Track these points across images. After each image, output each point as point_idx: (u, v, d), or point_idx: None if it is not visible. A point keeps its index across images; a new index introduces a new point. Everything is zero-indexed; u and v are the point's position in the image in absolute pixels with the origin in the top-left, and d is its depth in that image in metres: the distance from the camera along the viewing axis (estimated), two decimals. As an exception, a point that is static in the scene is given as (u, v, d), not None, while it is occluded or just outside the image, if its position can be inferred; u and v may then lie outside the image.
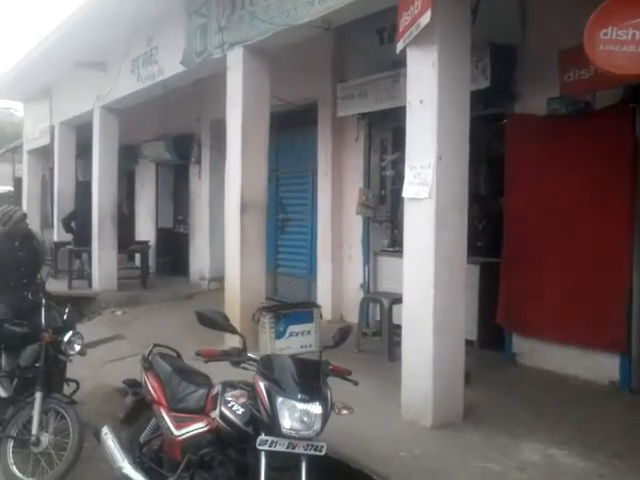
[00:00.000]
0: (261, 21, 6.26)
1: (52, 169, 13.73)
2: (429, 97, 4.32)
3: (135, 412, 4.13)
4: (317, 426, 2.94)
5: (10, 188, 19.78)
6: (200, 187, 11.23)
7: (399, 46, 4.66)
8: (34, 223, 13.49)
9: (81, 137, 12.50)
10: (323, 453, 2.96)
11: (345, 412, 3.13)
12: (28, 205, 14.96)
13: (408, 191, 4.46)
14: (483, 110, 6.02)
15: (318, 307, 6.66)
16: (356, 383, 3.33)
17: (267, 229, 7.14)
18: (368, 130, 7.71)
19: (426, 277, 4.28)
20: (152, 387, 3.79)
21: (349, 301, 7.84)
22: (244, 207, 6.64)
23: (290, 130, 9.02)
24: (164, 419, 3.58)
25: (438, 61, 4.26)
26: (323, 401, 2.98)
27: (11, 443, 4.41)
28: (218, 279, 10.36)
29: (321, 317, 6.61)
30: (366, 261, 7.64)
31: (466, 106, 4.46)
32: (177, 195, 13.08)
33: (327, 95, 7.93)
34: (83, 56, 10.01)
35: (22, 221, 5.48)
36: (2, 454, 4.38)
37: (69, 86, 11.85)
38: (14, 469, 4.30)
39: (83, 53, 9.95)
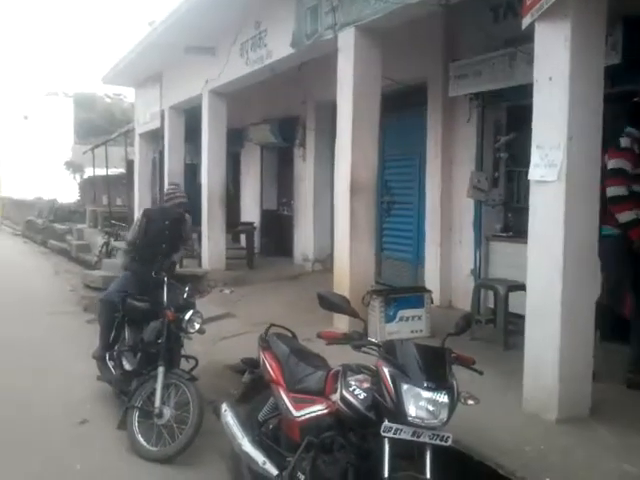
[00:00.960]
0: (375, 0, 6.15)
1: (162, 152, 14.26)
2: (559, 74, 4.07)
3: (252, 390, 4.20)
4: (443, 415, 2.86)
5: (122, 170, 20.76)
6: (304, 170, 11.29)
7: (525, 21, 4.40)
8: (145, 204, 14.11)
9: (189, 121, 12.88)
10: (449, 444, 2.89)
11: (471, 402, 3.04)
12: (139, 186, 15.62)
13: (534, 173, 4.23)
14: (611, 88, 5.62)
15: (429, 292, 6.52)
16: (481, 373, 3.22)
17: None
18: (481, 110, 7.42)
19: (553, 265, 4.06)
20: (270, 367, 3.82)
21: (458, 287, 7.65)
22: (354, 189, 6.59)
23: (397, 111, 8.85)
24: (283, 399, 3.61)
25: (571, 35, 3.99)
26: (449, 390, 2.90)
27: (136, 413, 4.64)
28: (322, 261, 10.46)
29: (432, 302, 6.48)
30: (477, 246, 7.39)
31: (600, 83, 4.17)
32: (281, 177, 13.24)
33: (438, 75, 7.70)
34: (193, 42, 10.27)
35: (178, 206, 5.81)
36: (128, 423, 4.61)
37: (179, 71, 12.19)
38: (139, 438, 4.53)
39: (193, 39, 10.20)
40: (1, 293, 11.03)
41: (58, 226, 20.14)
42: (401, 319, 6.24)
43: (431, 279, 7.80)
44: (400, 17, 6.21)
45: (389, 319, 6.20)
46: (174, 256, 5.82)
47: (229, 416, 4.02)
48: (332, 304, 3.45)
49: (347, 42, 6.70)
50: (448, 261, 7.82)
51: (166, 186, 6.29)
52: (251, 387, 4.21)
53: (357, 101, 6.62)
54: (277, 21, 8.24)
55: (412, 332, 6.18)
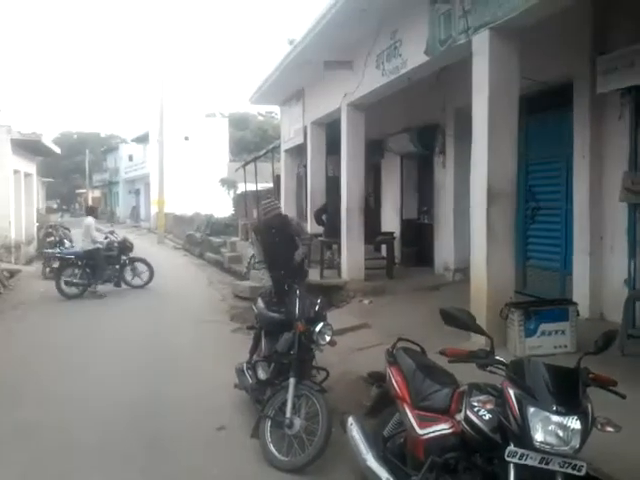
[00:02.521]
0: (509, -2, 5.87)
1: (305, 166, 14.64)
2: None
3: (379, 404, 4.17)
4: (575, 442, 2.65)
5: (270, 185, 21.62)
6: (444, 177, 11.05)
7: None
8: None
9: (330, 134, 13.11)
10: (583, 474, 2.65)
11: (610, 429, 2.76)
12: (285, 200, 16.15)
13: (688, 174, 3.80)
14: None
15: (574, 304, 6.05)
16: (623, 396, 2.95)
17: (515, 218, 6.71)
18: (634, 106, 6.80)
19: None
20: (396, 382, 3.77)
21: (610, 298, 7.03)
22: (491, 197, 6.31)
23: (540, 112, 8.39)
24: (407, 416, 3.55)
25: None
26: (582, 415, 2.68)
27: (269, 423, 4.75)
28: (462, 270, 10.13)
29: (578, 315, 6.00)
30: (631, 254, 6.77)
31: None
32: (421, 186, 13.08)
33: (584, 70, 7.17)
34: (331, 57, 10.48)
35: (274, 218, 6.62)
36: (261, 432, 4.74)
37: (319, 87, 12.49)
38: (271, 447, 4.63)
39: (331, 54, 10.40)
40: (159, 302, 11.94)
41: (214, 239, 21.37)
42: (543, 333, 5.85)
43: (580, 289, 7.27)
44: (537, 13, 5.88)
45: (529, 333, 5.83)
46: (296, 254, 6.43)
47: (354, 430, 4.01)
48: (456, 321, 3.33)
49: (481, 45, 6.46)
50: (599, 270, 7.24)
51: (276, 202, 7.11)
52: (379, 401, 4.18)
53: (493, 105, 6.35)
54: (411, 29, 8.16)
55: (555, 347, 5.79)
